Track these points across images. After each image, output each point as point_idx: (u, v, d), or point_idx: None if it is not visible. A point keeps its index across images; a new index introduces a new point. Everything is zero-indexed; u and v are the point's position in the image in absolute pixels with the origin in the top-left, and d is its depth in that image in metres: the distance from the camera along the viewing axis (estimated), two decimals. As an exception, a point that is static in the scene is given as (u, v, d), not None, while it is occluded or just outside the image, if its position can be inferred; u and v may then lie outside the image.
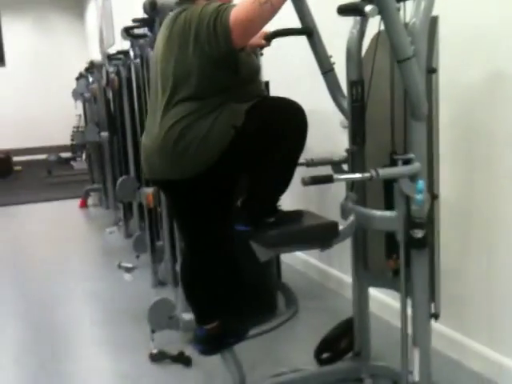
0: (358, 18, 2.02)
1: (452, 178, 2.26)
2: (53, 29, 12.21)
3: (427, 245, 1.80)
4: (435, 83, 1.82)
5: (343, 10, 1.63)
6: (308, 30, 2.06)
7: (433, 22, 1.78)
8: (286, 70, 3.47)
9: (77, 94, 6.68)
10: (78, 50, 11.92)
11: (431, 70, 1.77)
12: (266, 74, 3.00)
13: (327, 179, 1.71)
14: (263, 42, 2.20)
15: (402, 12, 1.80)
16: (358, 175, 1.78)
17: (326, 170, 2.15)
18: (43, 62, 11.91)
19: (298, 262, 3.69)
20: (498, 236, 2.14)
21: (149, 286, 3.56)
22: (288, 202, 2.40)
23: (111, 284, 3.75)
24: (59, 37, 12.25)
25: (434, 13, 1.77)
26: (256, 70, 2.02)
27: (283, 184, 1.98)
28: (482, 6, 2.12)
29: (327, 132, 3.08)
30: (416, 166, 1.77)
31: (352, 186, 2.07)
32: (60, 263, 4.41)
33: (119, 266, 3.91)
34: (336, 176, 1.73)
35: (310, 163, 2.17)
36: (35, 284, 3.89)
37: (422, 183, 1.74)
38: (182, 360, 2.50)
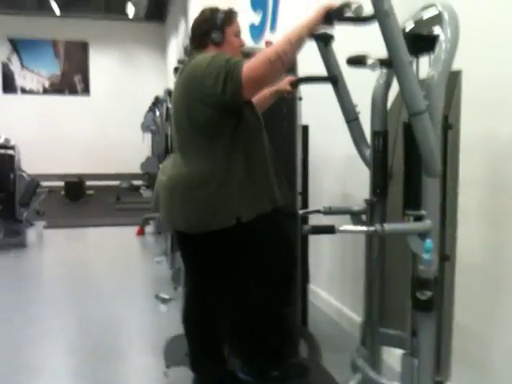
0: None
1: (478, 239, 2.14)
2: (136, 63, 12.90)
3: (434, 308, 1.70)
4: (454, 139, 1.75)
5: (351, 62, 1.62)
6: (333, 78, 2.05)
7: (454, 76, 1.72)
8: (325, 115, 3.46)
9: (144, 127, 6.97)
10: (158, 84, 12.46)
11: (448, 126, 1.70)
12: (304, 119, 3.00)
13: (329, 230, 1.67)
14: (289, 87, 2.22)
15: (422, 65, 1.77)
16: (361, 228, 1.73)
17: (346, 220, 2.11)
18: (124, 94, 12.57)
19: (331, 309, 3.59)
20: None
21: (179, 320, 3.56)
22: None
23: (143, 312, 3.80)
24: (141, 70, 12.92)
25: (457, 67, 1.71)
26: (257, 127, 2.05)
27: (280, 326, 2.04)
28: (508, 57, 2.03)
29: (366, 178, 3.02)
30: (426, 223, 1.69)
31: (363, 339, 2.00)
32: (103, 287, 4.53)
33: (156, 297, 3.96)
34: (339, 227, 1.68)
35: (328, 211, 2.12)
36: (68, 304, 4.01)
37: (430, 242, 1.65)
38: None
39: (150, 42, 12.97)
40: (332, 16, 1.66)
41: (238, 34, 2.08)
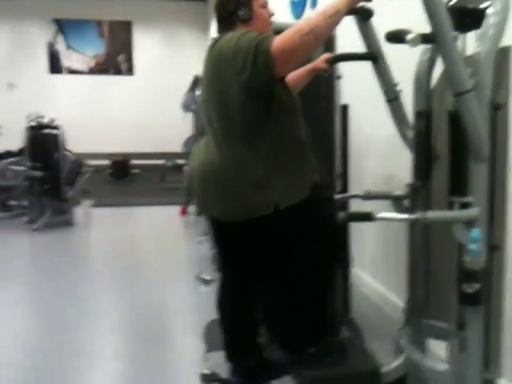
0: (429, 45, 1.86)
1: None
2: (178, 42, 12.84)
3: (482, 302, 1.59)
4: (503, 121, 1.62)
5: (390, 38, 1.50)
6: (372, 55, 1.94)
7: (503, 53, 1.59)
8: (366, 94, 3.32)
9: (185, 106, 6.95)
10: (200, 63, 12.43)
11: (497, 106, 1.57)
12: (346, 97, 2.89)
13: (366, 217, 1.58)
14: (325, 65, 2.11)
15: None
16: (402, 216, 1.63)
17: (385, 205, 2.01)
18: (167, 73, 12.56)
19: (374, 294, 3.50)
20: None
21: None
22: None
23: (184, 294, 3.80)
24: (184, 50, 12.86)
25: (507, 43, 1.58)
26: (293, 107, 1.95)
27: (319, 306, 1.94)
28: None
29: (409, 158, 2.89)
30: (473, 211, 1.58)
31: (407, 320, 1.91)
32: (146, 268, 4.58)
33: (197, 278, 3.97)
34: (377, 214, 1.59)
35: (367, 196, 2.03)
36: (112, 284, 4.07)
37: (477, 232, 1.55)
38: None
39: (192, 21, 12.87)
40: None
41: (264, 4, 1.97)
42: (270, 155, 1.81)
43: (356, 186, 3.18)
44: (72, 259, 4.91)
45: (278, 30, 1.72)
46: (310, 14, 1.65)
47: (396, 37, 1.46)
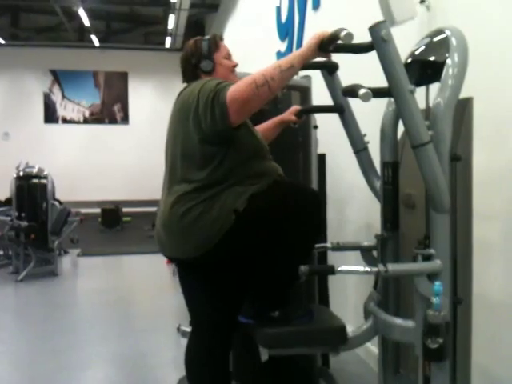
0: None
1: (502, 276, 1.98)
2: (173, 91, 13.00)
3: (446, 357, 1.55)
4: (464, 171, 1.62)
5: (345, 92, 1.52)
6: (338, 107, 1.97)
7: (463, 104, 1.60)
8: (345, 144, 3.34)
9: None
10: (194, 112, 12.62)
11: (455, 158, 1.57)
12: (322, 147, 2.91)
13: (328, 271, 1.56)
14: (293, 118, 2.13)
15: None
16: (363, 269, 1.60)
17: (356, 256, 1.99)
18: (161, 122, 12.56)
19: (359, 348, 3.42)
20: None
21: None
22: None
23: (165, 347, 3.72)
24: (178, 99, 13.11)
25: (467, 94, 1.60)
26: (258, 148, 1.93)
27: (289, 275, 1.83)
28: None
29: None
30: (435, 263, 1.56)
31: (376, 283, 1.87)
32: (129, 319, 4.49)
33: (178, 329, 3.88)
34: (338, 268, 1.57)
35: (336, 247, 2.01)
36: (93, 337, 3.98)
37: (438, 285, 1.52)
38: None
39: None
40: (325, 45, 1.58)
41: (227, 56, 2.01)
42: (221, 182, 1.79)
43: (336, 235, 3.16)
44: (53, 310, 4.81)
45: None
46: (266, 66, 1.66)
47: (350, 91, 1.48)
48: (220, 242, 1.75)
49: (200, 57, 1.95)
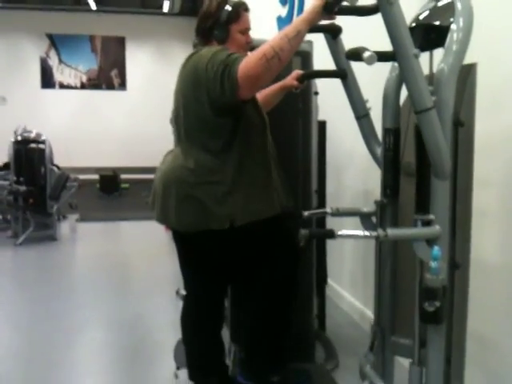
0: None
1: (498, 242, 1.99)
2: (171, 57, 12.90)
3: (442, 320, 1.58)
4: (466, 137, 1.61)
5: (348, 56, 1.51)
6: (341, 72, 1.95)
7: (466, 70, 1.59)
8: (345, 110, 3.33)
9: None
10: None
11: (458, 123, 1.57)
12: (322, 114, 2.89)
13: (327, 235, 1.57)
14: (295, 83, 2.12)
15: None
16: (362, 233, 1.61)
17: (355, 221, 2.00)
18: (159, 88, 12.60)
19: (353, 310, 3.48)
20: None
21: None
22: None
23: (163, 310, 3.77)
24: (176, 65, 12.88)
25: (472, 60, 1.58)
26: (259, 123, 1.95)
27: (281, 329, 1.92)
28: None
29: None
30: (434, 229, 1.57)
31: (372, 345, 1.89)
32: (127, 283, 4.55)
33: (177, 293, 3.93)
34: (338, 232, 1.58)
35: (335, 213, 2.01)
36: (91, 300, 4.03)
37: (437, 249, 1.53)
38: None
39: (184, 36, 12.93)
40: (329, 6, 1.55)
41: (244, 31, 1.97)
42: (228, 172, 1.82)
43: (335, 201, 3.17)
44: (52, 274, 4.87)
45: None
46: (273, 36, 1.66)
47: (354, 55, 1.46)
48: (204, 232, 1.86)
49: (216, 23, 1.91)
